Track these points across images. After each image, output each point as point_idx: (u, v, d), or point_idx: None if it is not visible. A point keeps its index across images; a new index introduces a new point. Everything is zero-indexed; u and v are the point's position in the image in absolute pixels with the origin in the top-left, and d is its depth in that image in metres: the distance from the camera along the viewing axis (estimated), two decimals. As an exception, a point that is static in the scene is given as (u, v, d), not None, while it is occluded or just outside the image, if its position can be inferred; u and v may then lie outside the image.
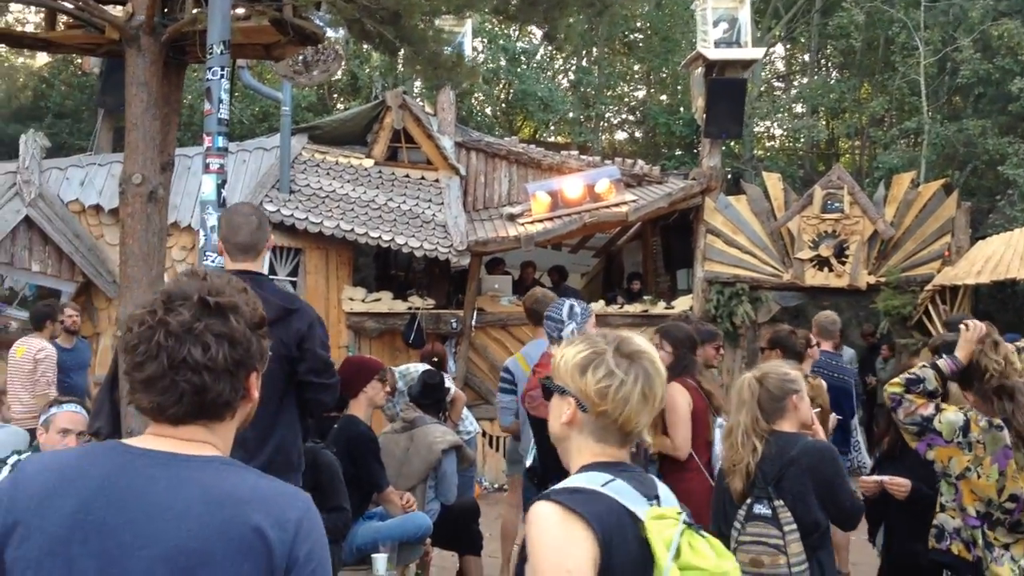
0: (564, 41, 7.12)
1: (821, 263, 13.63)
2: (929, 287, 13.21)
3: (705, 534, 2.15)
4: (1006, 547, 4.13)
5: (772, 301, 13.81)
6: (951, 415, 4.19)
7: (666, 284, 15.91)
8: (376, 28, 6.28)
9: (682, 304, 13.78)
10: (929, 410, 4.18)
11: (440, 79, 6.71)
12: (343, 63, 10.57)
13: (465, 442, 6.94)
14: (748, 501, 4.13)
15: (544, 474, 5.03)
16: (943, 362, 4.31)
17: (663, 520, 2.10)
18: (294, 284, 12.78)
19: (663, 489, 2.29)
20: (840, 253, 13.60)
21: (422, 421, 6.47)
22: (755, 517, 4.08)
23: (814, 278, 13.65)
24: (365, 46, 16.13)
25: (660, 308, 13.72)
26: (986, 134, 17.95)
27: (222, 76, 5.06)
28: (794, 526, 4.02)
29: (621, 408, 2.20)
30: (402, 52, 6.34)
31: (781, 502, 4.05)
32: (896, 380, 4.34)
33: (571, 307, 5.25)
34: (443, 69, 6.20)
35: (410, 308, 12.91)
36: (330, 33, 8.07)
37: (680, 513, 2.16)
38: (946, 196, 14.00)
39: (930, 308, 13.14)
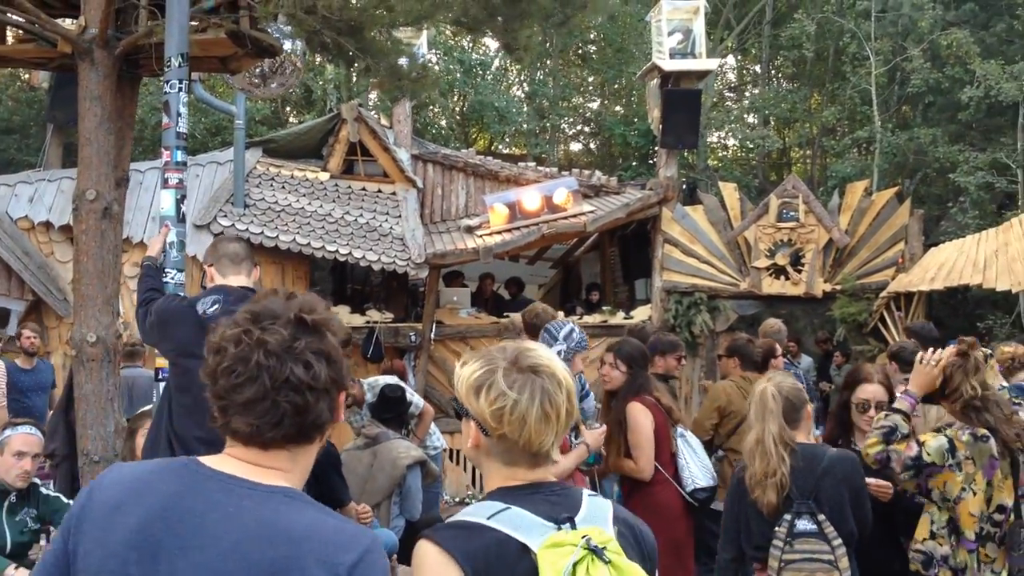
0: (523, 52, 7.08)
1: (778, 271, 13.73)
2: (884, 294, 13.34)
3: (614, 558, 1.95)
4: (992, 561, 4.12)
5: (730, 310, 13.88)
6: (933, 442, 4.09)
7: (624, 294, 15.94)
8: (335, 40, 6.21)
9: (641, 314, 13.81)
10: (914, 450, 4.09)
11: (403, 91, 6.64)
12: (301, 75, 10.46)
13: (431, 457, 6.86)
14: (787, 517, 4.01)
15: None
16: (903, 403, 4.22)
17: (558, 548, 1.95)
18: (250, 299, 12.59)
19: (590, 506, 2.11)
20: (796, 261, 13.71)
21: (385, 437, 6.38)
22: (801, 534, 3.96)
23: (771, 286, 13.75)
24: (319, 58, 16.04)
25: (619, 318, 13.74)
26: (936, 142, 18.22)
27: (180, 89, 4.96)
28: (840, 540, 3.93)
29: (519, 429, 2.04)
30: (364, 64, 6.25)
31: (823, 516, 3.96)
32: (871, 441, 4.17)
33: (571, 331, 5.18)
34: (407, 80, 6.15)
35: (368, 322, 12.80)
36: (287, 45, 7.99)
37: (585, 537, 1.96)
38: (899, 204, 14.16)
39: (885, 315, 13.27)
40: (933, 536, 4.17)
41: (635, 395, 5.49)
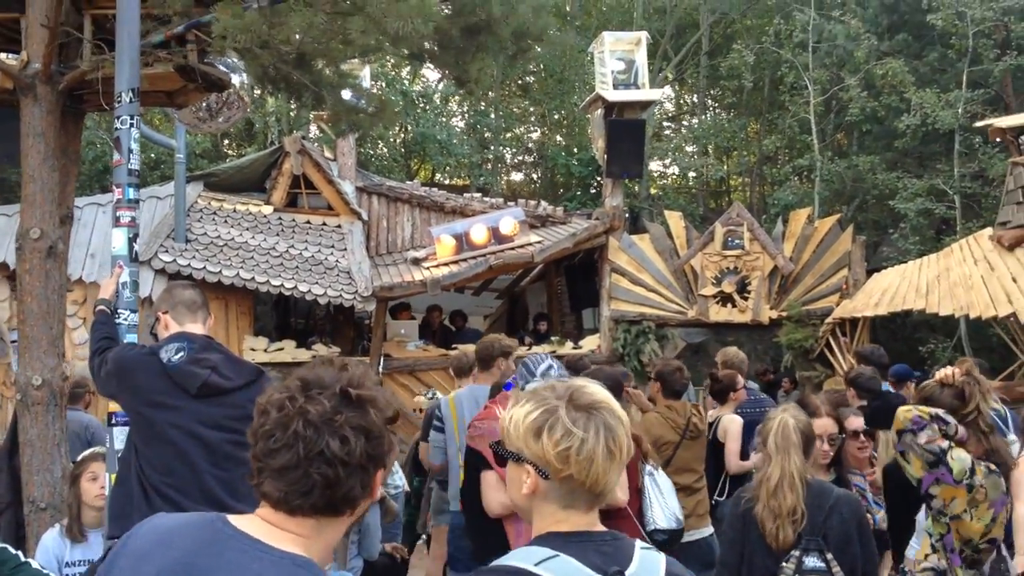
0: (475, 85, 7.03)
1: (724, 299, 13.84)
2: (829, 320, 13.50)
3: None
4: None
5: (678, 338, 13.95)
6: (962, 454, 4.05)
7: (572, 324, 15.93)
8: (284, 73, 6.11)
9: (589, 343, 13.81)
10: (945, 444, 4.05)
11: (360, 125, 6.54)
12: (247, 109, 10.32)
13: (392, 496, 6.73)
14: (795, 553, 3.94)
15: (470, 512, 4.89)
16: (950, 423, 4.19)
17: None
18: (193, 336, 12.35)
19: (642, 559, 2.04)
20: (742, 289, 13.83)
21: (344, 476, 6.23)
22: (810, 571, 3.89)
23: (718, 314, 13.84)
24: (259, 91, 15.88)
25: (567, 348, 13.71)
26: (874, 170, 18.56)
27: (132, 125, 4.82)
28: None
29: (587, 469, 1.97)
30: (313, 96, 6.14)
31: (831, 555, 3.90)
32: (923, 408, 4.12)
33: (549, 368, 5.09)
34: (364, 115, 6.06)
35: (314, 357, 12.60)
36: (234, 79, 7.87)
37: None
38: (841, 231, 14.37)
39: (831, 341, 13.42)
40: (935, 549, 4.13)
41: None
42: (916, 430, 4.03)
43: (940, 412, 4.11)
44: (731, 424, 7.22)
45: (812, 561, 3.91)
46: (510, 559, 1.98)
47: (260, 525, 1.79)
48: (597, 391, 2.08)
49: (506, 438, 2.06)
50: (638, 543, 2.09)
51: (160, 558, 1.75)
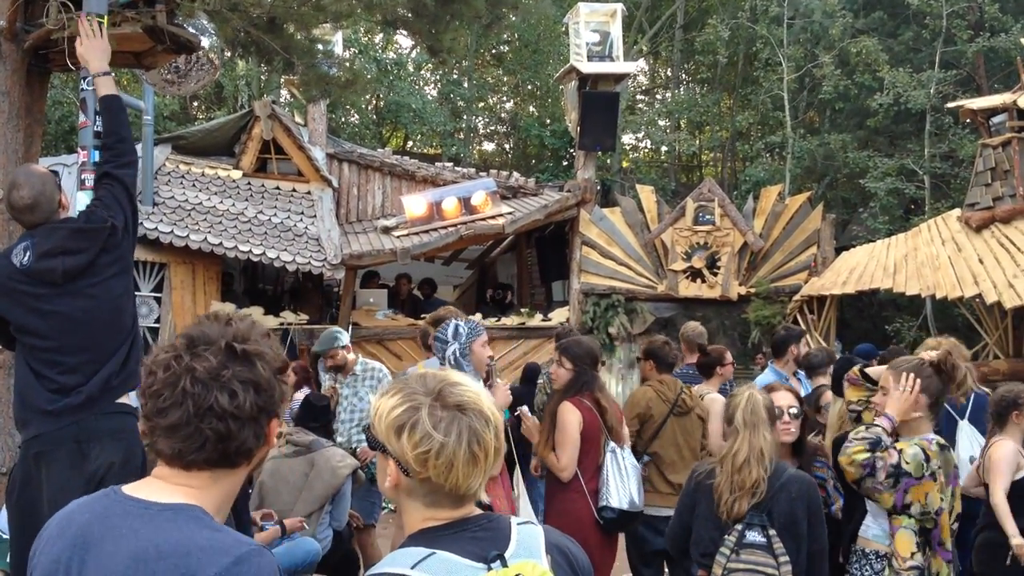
0: (448, 55, 6.96)
1: (694, 274, 13.86)
2: (797, 297, 13.56)
3: None
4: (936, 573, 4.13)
5: (647, 312, 13.96)
6: (911, 450, 4.04)
7: (542, 296, 15.92)
8: (255, 37, 6.01)
9: (559, 316, 13.81)
10: (894, 457, 4.03)
11: (331, 94, 6.46)
12: (217, 72, 10.16)
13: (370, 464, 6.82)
14: (738, 528, 4.00)
15: None
16: (884, 422, 4.13)
17: None
18: (159, 300, 12.24)
19: (521, 536, 1.97)
20: (712, 264, 13.85)
21: (319, 444, 6.23)
22: (749, 545, 3.94)
23: (687, 289, 13.86)
24: (229, 54, 15.66)
25: (537, 320, 13.72)
26: (846, 148, 18.63)
27: (97, 86, 4.70)
28: (786, 557, 3.91)
29: (445, 473, 1.89)
30: (284, 61, 6.05)
31: (774, 531, 3.94)
32: (856, 448, 4.04)
33: (456, 328, 5.21)
34: (336, 85, 5.97)
35: (282, 324, 12.52)
36: (204, 42, 7.74)
37: (520, 573, 1.86)
38: (811, 209, 14.42)
39: (798, 318, 13.47)
40: (919, 548, 4.12)
41: (575, 393, 5.52)
42: (871, 473, 4.01)
43: (876, 435, 4.06)
44: (713, 403, 7.12)
45: (753, 536, 3.98)
46: (385, 565, 1.90)
47: (151, 484, 1.84)
48: (467, 390, 1.98)
49: (373, 429, 1.99)
50: (513, 520, 2.03)
51: (64, 536, 1.81)
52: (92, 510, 1.82)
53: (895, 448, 4.05)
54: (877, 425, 4.10)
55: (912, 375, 4.12)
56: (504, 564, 1.87)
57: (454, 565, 1.85)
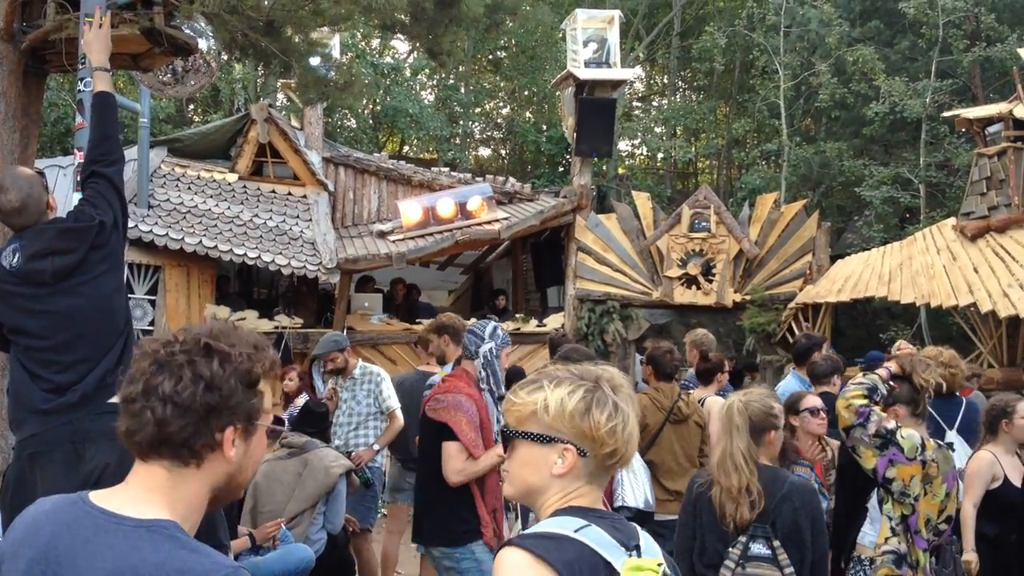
0: (447, 58, 6.95)
1: (689, 281, 13.85)
2: (792, 305, 13.55)
3: None
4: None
5: (642, 319, 13.95)
6: (909, 431, 4.10)
7: (537, 302, 15.91)
8: (253, 40, 6.00)
9: (554, 322, 13.79)
10: (891, 423, 4.09)
11: (328, 97, 6.45)
12: (215, 75, 10.15)
13: (372, 471, 6.80)
14: (742, 539, 3.96)
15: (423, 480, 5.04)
16: (882, 371, 4.23)
17: (641, 572, 1.99)
18: (153, 303, 12.21)
19: (645, 538, 2.14)
20: (707, 271, 13.85)
21: (313, 445, 6.24)
22: (754, 557, 3.90)
23: (683, 296, 13.86)
24: (226, 57, 15.65)
25: (532, 326, 13.70)
26: (841, 156, 18.65)
27: (94, 88, 4.69)
28: (791, 568, 3.87)
29: (626, 444, 2.10)
30: (282, 64, 6.04)
31: (778, 542, 3.91)
32: (854, 392, 4.16)
33: (495, 329, 5.18)
34: (333, 88, 5.96)
35: (277, 327, 12.50)
36: (201, 44, 7.72)
37: (660, 565, 2.03)
38: (807, 216, 14.43)
39: (793, 325, 13.47)
40: (894, 533, 4.15)
41: None
42: (863, 422, 4.06)
43: (873, 381, 4.16)
44: (714, 406, 7.12)
45: (758, 548, 3.94)
46: (545, 525, 2.04)
47: (119, 493, 1.84)
48: (615, 373, 2.18)
49: (536, 421, 2.10)
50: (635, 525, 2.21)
51: (33, 543, 1.79)
52: (60, 520, 1.81)
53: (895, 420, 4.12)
54: (876, 373, 4.17)
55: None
56: (639, 554, 2.06)
57: (605, 540, 2.01)
